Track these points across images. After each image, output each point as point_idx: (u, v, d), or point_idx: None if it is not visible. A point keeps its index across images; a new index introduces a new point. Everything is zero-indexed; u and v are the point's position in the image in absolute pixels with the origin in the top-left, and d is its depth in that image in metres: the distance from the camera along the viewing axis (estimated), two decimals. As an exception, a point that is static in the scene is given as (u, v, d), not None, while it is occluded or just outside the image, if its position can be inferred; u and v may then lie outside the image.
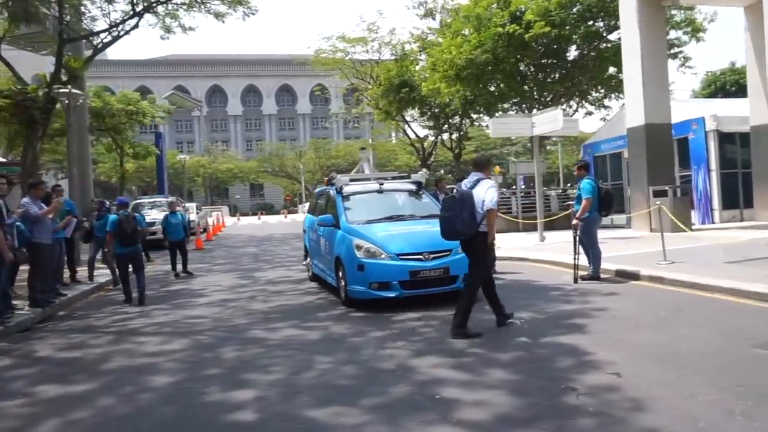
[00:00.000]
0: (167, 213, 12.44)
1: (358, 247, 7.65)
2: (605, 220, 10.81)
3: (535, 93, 22.94)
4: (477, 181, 6.00)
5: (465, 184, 6.07)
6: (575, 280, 8.56)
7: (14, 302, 8.31)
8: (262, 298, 8.97)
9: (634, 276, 8.57)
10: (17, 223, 8.07)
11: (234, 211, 60.33)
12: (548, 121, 13.38)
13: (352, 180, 9.45)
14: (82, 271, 11.16)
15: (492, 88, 22.79)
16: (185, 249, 12.27)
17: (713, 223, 15.34)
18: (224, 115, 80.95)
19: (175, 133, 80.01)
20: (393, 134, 49.05)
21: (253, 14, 20.61)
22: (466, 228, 5.76)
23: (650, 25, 14.36)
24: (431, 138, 33.21)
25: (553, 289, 8.30)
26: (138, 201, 22.19)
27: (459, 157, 31.44)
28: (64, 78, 21.46)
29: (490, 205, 5.81)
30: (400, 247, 7.54)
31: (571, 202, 12.53)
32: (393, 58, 28.92)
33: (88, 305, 9.20)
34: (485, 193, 5.84)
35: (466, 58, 20.59)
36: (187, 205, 24.41)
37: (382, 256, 7.46)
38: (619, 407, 3.76)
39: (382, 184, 9.26)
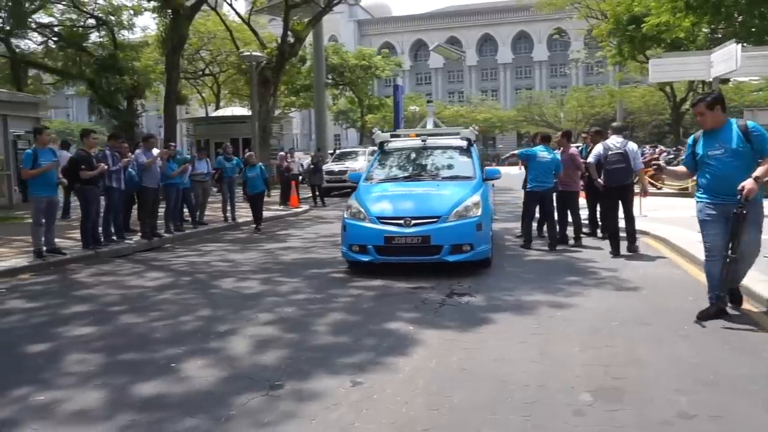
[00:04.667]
0: (246, 167, 12.30)
1: (348, 207, 7.48)
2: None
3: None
4: (626, 143, 7.85)
5: (614, 145, 7.81)
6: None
7: (134, 235, 10.43)
8: (312, 249, 9.42)
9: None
10: (129, 170, 10.05)
11: (493, 161, 60.53)
12: (725, 59, 10.32)
13: (393, 136, 9.04)
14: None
15: (741, 18, 18.09)
16: (261, 204, 12.18)
17: None
18: (494, 63, 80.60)
19: (447, 83, 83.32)
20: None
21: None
22: (631, 178, 7.86)
23: None
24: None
25: (582, 271, 6.79)
26: (341, 151, 24.28)
27: (713, 104, 25.86)
28: (291, 40, 24.47)
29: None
30: (381, 210, 7.12)
31: None
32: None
33: (201, 240, 10.91)
34: (636, 155, 7.90)
35: (694, -19, 16.77)
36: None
37: (363, 218, 7.14)
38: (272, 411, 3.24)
39: (425, 140, 8.66)
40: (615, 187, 7.84)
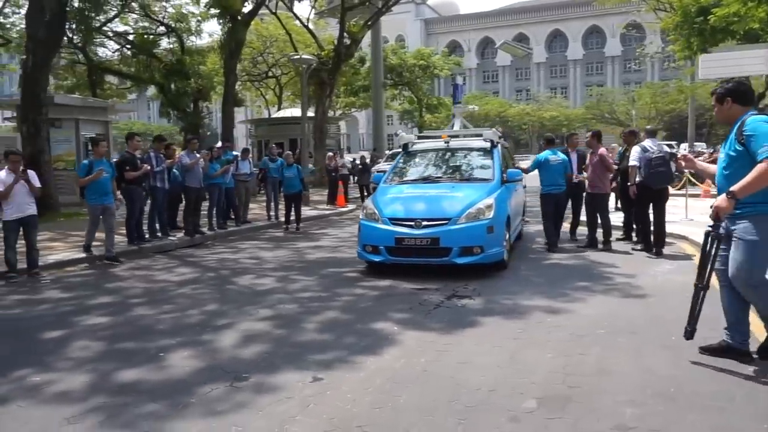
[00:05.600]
0: (283, 166, 12.20)
1: (364, 208, 7.65)
2: None
3: None
4: (662, 147, 7.96)
5: (652, 148, 7.79)
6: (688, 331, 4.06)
7: (176, 233, 11.01)
8: (340, 249, 9.63)
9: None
10: (174, 170, 10.65)
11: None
12: (782, 53, 9.68)
13: (420, 137, 9.12)
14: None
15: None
16: (300, 204, 12.22)
17: None
18: (564, 60, 78.34)
19: (514, 81, 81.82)
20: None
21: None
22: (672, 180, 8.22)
23: None
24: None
25: (595, 277, 6.64)
26: (394, 151, 24.44)
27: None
28: (347, 42, 24.87)
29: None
30: (394, 211, 7.24)
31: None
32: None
33: (241, 238, 11.40)
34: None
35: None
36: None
37: (377, 219, 7.28)
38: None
39: (448, 143, 8.70)
40: (657, 190, 7.86)
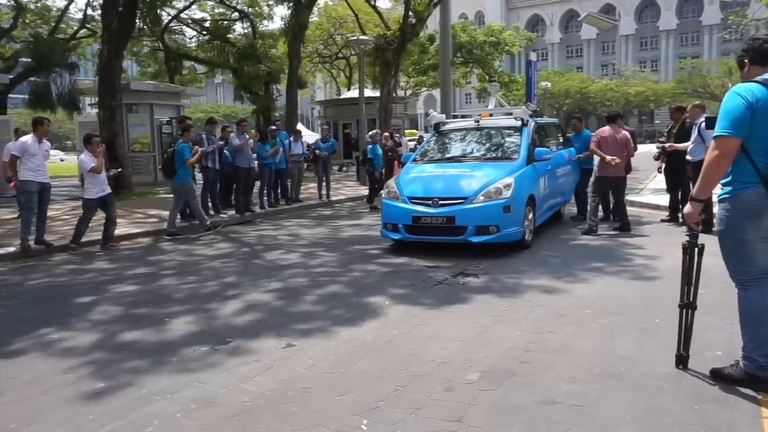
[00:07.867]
0: (371, 145, 13.08)
1: (387, 187, 7.83)
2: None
3: None
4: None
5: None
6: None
7: (227, 211, 11.66)
8: (376, 227, 9.78)
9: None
10: (225, 151, 11.28)
11: (642, 136, 55.85)
12: None
13: (454, 116, 9.14)
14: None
15: None
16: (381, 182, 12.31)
17: None
18: (655, 31, 73.50)
19: (600, 55, 77.91)
20: None
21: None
22: None
23: None
24: None
25: (615, 259, 6.49)
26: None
27: None
28: (412, 21, 24.80)
29: None
30: (413, 190, 7.39)
31: None
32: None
33: (289, 216, 11.93)
34: None
35: None
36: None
37: (397, 197, 7.45)
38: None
39: (478, 122, 8.66)
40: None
